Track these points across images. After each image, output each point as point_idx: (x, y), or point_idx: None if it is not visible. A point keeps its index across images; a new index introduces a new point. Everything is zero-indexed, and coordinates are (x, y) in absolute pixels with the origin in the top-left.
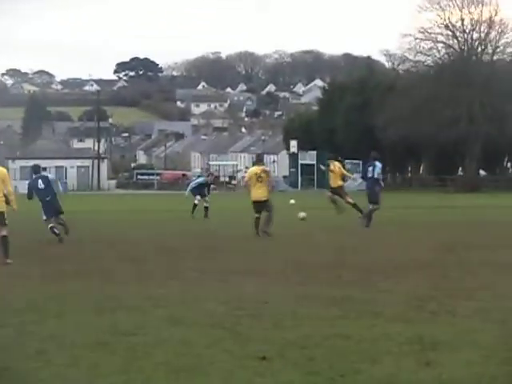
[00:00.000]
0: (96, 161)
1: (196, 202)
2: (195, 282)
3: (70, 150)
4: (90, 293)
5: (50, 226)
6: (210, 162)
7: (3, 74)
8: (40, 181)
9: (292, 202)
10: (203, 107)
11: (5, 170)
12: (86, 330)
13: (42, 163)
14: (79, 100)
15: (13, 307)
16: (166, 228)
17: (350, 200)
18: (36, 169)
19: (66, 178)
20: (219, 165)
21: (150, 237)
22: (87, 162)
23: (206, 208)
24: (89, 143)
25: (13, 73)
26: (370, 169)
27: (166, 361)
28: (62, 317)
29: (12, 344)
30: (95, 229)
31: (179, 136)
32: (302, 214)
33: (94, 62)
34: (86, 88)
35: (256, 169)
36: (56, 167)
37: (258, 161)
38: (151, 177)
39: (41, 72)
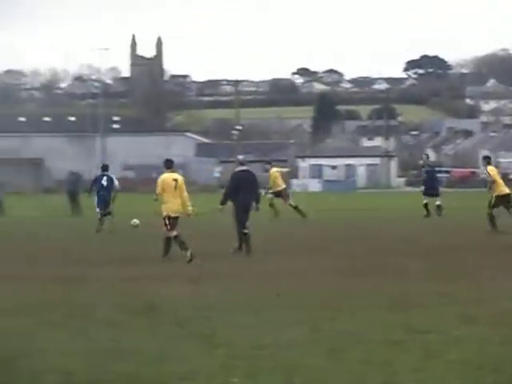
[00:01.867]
0: (385, 159)
1: None
2: (486, 279)
3: (359, 149)
4: (381, 290)
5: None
6: (500, 160)
7: (294, 73)
8: (105, 178)
9: None
10: (492, 104)
11: (182, 178)
12: (378, 327)
13: (332, 162)
14: (368, 98)
15: (305, 304)
16: (450, 225)
17: None
18: (105, 168)
19: (355, 175)
20: (509, 162)
21: (435, 233)
22: (376, 160)
23: None
24: (378, 141)
25: (303, 72)
26: None
27: (460, 359)
28: (354, 314)
29: (305, 341)
30: (381, 226)
31: (468, 133)
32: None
33: (383, 61)
34: (375, 86)
35: None
36: (345, 165)
37: None
38: (440, 174)
39: (330, 71)
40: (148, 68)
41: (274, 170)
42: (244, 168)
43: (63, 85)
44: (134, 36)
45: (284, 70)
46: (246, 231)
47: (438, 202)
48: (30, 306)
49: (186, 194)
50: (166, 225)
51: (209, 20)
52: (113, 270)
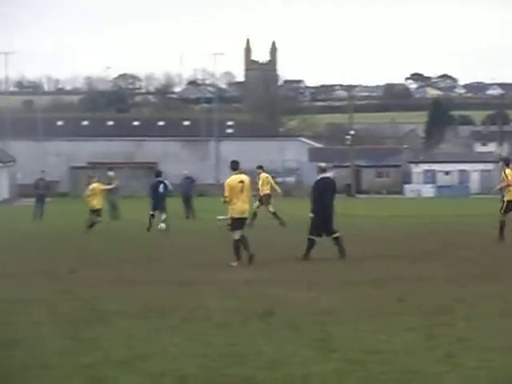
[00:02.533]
0: (499, 164)
1: None
2: None
3: (472, 154)
4: (498, 296)
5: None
6: None
7: (407, 79)
8: (162, 185)
9: None
10: None
11: (248, 179)
12: (494, 333)
13: (445, 167)
14: (482, 104)
15: (421, 310)
16: None
17: None
18: (158, 173)
19: (468, 181)
20: None
21: None
22: (490, 166)
23: None
24: (492, 147)
25: (416, 77)
26: None
27: None
28: (470, 320)
29: (421, 347)
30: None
31: None
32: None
33: (497, 66)
34: (489, 92)
35: None
36: (459, 171)
37: None
38: None
39: (444, 76)
40: (262, 73)
41: (264, 175)
42: (326, 175)
43: (177, 89)
44: (248, 40)
45: (397, 75)
46: (336, 235)
47: None
48: (150, 309)
49: (249, 194)
50: (231, 227)
51: (322, 24)
52: (229, 273)
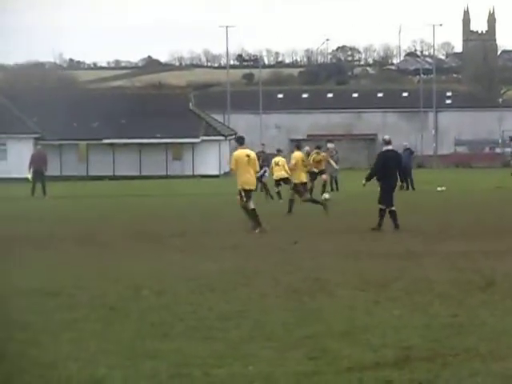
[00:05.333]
0: None
1: None
2: None
3: None
4: None
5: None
6: None
7: None
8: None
9: None
10: None
11: (254, 153)
12: None
13: None
14: None
15: None
16: None
17: None
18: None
19: None
20: None
21: None
22: None
23: None
24: None
25: None
26: None
27: None
28: None
29: None
30: None
31: None
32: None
33: None
34: None
35: None
36: None
37: None
38: None
39: None
40: (480, 43)
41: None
42: (390, 147)
43: (396, 61)
44: (466, 10)
45: None
46: (393, 208)
47: None
48: (371, 281)
49: (256, 168)
50: (241, 197)
51: None
52: (448, 245)
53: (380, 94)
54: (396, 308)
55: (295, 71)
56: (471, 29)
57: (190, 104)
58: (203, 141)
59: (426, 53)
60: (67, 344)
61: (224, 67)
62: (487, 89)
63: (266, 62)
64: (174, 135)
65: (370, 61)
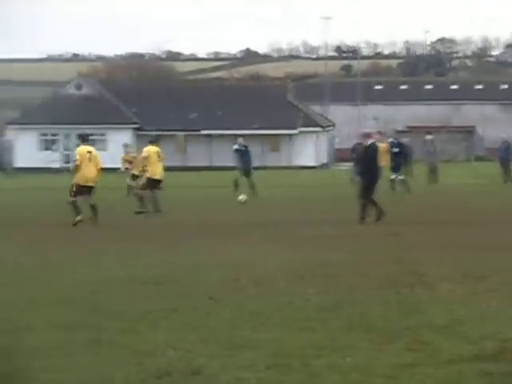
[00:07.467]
0: None
1: None
2: None
3: None
4: None
5: None
6: None
7: None
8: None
9: None
10: None
11: (96, 151)
12: None
13: None
14: None
15: None
16: None
17: None
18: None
19: None
20: None
21: None
22: None
23: None
24: None
25: None
26: None
27: None
28: None
29: None
30: None
31: None
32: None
33: None
34: None
35: None
36: None
37: None
38: None
39: None
40: None
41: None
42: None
43: (495, 52)
44: None
45: None
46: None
47: None
48: (468, 273)
49: (99, 166)
50: (72, 191)
51: None
52: None
53: (479, 86)
54: (493, 300)
55: (394, 63)
56: None
57: (288, 95)
58: (301, 132)
59: None
60: (166, 333)
61: (322, 58)
62: None
63: (365, 54)
64: (272, 126)
65: (469, 52)
